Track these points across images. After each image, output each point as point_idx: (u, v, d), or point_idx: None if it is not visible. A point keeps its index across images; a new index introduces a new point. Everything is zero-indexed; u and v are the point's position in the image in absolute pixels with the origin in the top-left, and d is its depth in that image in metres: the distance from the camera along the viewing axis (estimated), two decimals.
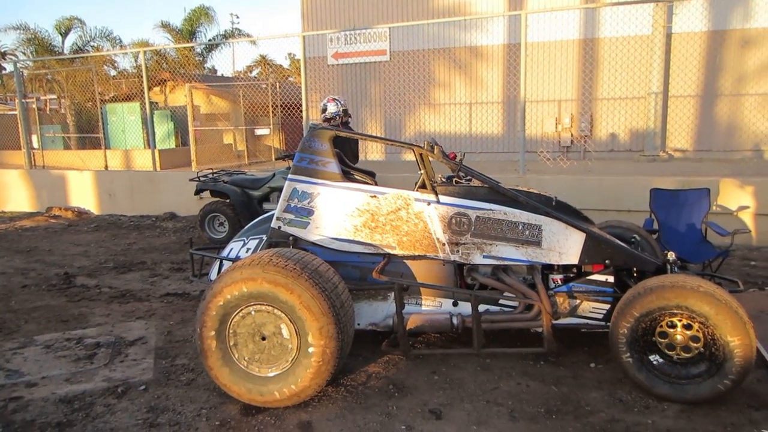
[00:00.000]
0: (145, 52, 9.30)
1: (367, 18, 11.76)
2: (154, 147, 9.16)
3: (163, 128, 13.41)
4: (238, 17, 57.95)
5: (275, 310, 2.75)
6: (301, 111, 12.30)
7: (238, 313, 2.79)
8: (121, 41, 18.58)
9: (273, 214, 3.52)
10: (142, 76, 8.88)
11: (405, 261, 3.29)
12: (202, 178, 6.70)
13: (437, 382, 3.08)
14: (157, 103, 15.96)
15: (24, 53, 17.12)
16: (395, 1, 11.59)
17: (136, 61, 17.48)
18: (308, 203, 3.32)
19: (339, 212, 3.28)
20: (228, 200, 6.52)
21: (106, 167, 9.95)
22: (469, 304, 3.18)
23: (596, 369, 3.19)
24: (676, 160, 9.63)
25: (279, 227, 3.36)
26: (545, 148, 9.26)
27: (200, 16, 18.84)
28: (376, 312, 3.30)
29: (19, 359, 3.56)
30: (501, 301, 3.24)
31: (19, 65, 10.53)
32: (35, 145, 11.16)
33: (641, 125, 10.18)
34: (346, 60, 12.00)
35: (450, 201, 3.23)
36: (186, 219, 8.22)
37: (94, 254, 6.40)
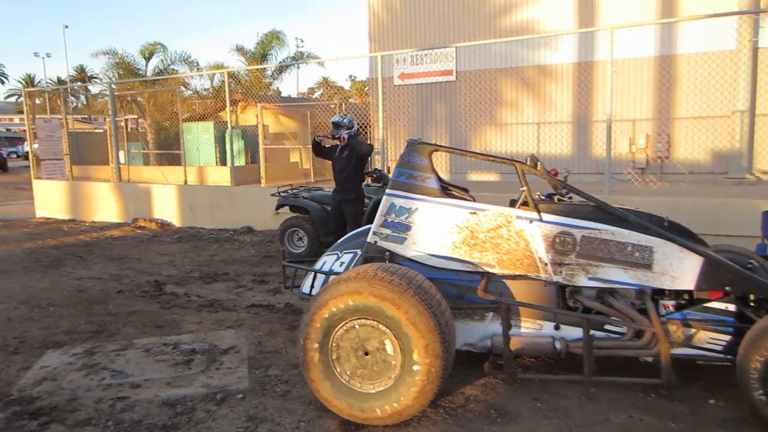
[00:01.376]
0: (228, 73, 9.77)
1: (433, 38, 11.83)
2: (233, 164, 9.55)
3: (234, 146, 14.01)
4: (302, 41, 60.58)
5: (380, 325, 2.72)
6: (365, 130, 12.47)
7: (342, 326, 2.78)
8: (198, 64, 19.75)
9: (368, 229, 3.52)
10: (214, 97, 9.30)
11: (504, 281, 3.19)
12: (282, 194, 6.89)
13: (541, 410, 2.93)
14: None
15: (109, 77, 18.56)
16: (461, 22, 11.60)
17: (212, 82, 18.55)
18: (406, 218, 3.30)
19: (437, 228, 3.23)
20: (307, 215, 6.65)
21: (185, 182, 10.47)
22: (572, 328, 3.04)
23: (716, 406, 2.93)
24: (765, 182, 8.92)
25: (375, 242, 3.35)
26: (620, 169, 8.85)
27: (272, 39, 19.70)
28: (472, 332, 3.21)
29: (122, 361, 3.72)
30: (607, 327, 3.07)
31: (112, 87, 11.36)
32: (122, 160, 11.96)
33: (724, 146, 9.51)
34: (412, 80, 12.11)
35: (553, 219, 3.11)
36: (262, 233, 8.46)
37: (179, 264, 6.69)
